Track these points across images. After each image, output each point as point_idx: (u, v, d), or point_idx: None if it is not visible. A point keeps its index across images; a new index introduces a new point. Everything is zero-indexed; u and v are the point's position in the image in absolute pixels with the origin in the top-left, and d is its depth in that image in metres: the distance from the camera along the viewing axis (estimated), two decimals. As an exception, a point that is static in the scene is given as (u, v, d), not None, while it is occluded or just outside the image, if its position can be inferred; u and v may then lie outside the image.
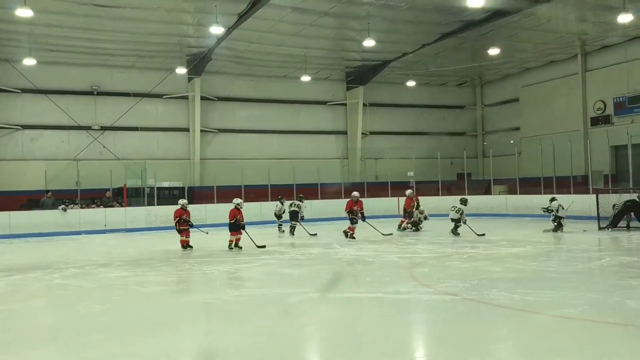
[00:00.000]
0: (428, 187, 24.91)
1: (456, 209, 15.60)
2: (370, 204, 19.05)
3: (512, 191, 23.96)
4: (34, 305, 8.13)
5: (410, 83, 27.00)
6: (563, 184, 21.26)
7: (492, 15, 19.16)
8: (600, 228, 15.70)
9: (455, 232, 15.42)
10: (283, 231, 17.23)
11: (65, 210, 19.63)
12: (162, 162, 24.26)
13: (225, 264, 11.36)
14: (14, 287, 9.43)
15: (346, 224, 15.71)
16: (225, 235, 13.68)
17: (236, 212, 13.27)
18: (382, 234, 15.76)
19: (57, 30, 19.39)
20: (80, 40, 20.59)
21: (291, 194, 19.97)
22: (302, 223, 16.64)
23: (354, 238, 15.08)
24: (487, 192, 25.36)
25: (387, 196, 24.20)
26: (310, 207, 19.87)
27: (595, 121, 24.15)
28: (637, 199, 15.47)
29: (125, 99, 24.47)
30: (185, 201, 14.20)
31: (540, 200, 17.96)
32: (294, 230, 16.61)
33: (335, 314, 6.86)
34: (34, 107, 23.24)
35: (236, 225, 13.19)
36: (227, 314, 7.14)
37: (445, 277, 9.06)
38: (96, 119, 24.20)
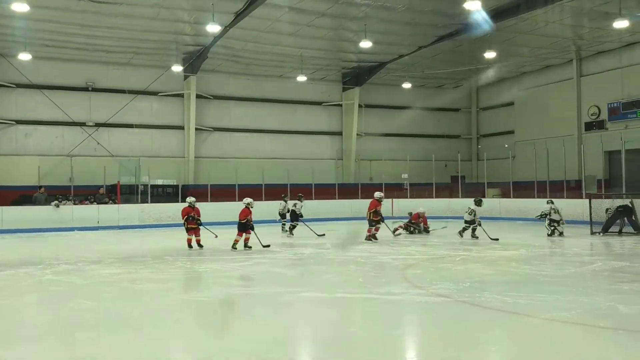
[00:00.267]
0: (422, 189, 24.96)
1: (469, 210, 15.11)
2: (363, 206, 18.99)
3: (505, 194, 24.02)
4: (24, 301, 8.10)
5: (406, 85, 27.01)
6: (556, 188, 21.34)
7: (490, 18, 19.17)
8: (592, 233, 15.79)
9: (461, 233, 15.14)
10: (286, 231, 17.06)
11: (58, 206, 19.55)
12: (157, 159, 24.20)
13: (218, 263, 11.33)
14: (4, 282, 9.38)
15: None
16: (221, 234, 13.63)
17: (247, 212, 13.03)
18: (393, 234, 15.81)
19: (53, 25, 19.28)
20: (77, 36, 20.52)
21: (289, 194, 19.92)
22: (307, 224, 16.59)
23: (376, 239, 14.75)
24: (482, 195, 25.36)
25: (381, 198, 24.16)
26: (304, 207, 19.79)
27: (589, 126, 24.26)
28: (630, 205, 15.59)
29: (120, 96, 24.37)
30: (193, 199, 13.80)
31: (533, 204, 18.01)
32: (292, 230, 16.61)
33: (327, 315, 6.85)
34: (29, 102, 23.12)
35: (246, 225, 13.02)
36: (219, 313, 7.12)
37: (438, 279, 9.08)
38: (91, 115, 24.10)
